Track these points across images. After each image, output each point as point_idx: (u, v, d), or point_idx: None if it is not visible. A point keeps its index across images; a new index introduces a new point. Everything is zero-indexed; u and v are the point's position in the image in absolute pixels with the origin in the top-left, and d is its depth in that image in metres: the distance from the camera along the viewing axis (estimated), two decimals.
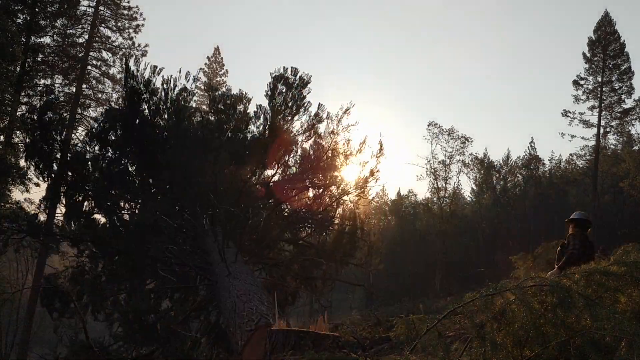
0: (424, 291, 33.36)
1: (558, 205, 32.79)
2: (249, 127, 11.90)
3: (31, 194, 18.74)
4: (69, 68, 19.82)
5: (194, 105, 12.55)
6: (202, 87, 28.84)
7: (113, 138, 10.93)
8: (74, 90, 19.50)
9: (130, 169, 11.16)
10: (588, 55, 30.32)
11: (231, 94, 12.21)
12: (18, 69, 16.65)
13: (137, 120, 10.73)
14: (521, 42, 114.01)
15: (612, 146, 35.48)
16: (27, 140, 11.14)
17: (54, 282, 10.21)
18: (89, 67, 20.73)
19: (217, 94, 12.22)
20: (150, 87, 10.97)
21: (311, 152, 11.49)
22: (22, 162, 16.37)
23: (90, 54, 20.71)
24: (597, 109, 29.80)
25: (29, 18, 17.52)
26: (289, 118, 11.55)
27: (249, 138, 11.67)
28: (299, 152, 11.76)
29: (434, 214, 34.66)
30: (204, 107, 12.57)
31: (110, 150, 10.91)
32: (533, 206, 34.87)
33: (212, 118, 11.95)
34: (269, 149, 11.09)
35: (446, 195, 34.36)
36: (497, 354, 2.66)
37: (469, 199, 42.86)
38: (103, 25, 21.05)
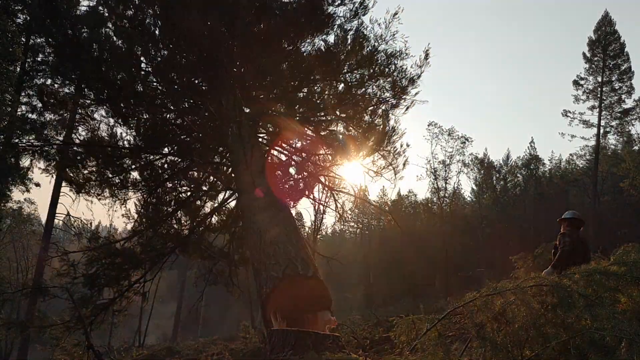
0: (424, 291, 33.35)
1: (558, 205, 32.76)
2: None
3: (31, 194, 18.78)
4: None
5: None
6: None
7: None
8: (74, 90, 19.49)
9: (153, 29, 9.76)
10: (588, 55, 30.31)
11: None
12: (18, 69, 16.64)
13: None
14: (521, 42, 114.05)
15: (612, 146, 35.49)
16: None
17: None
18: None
19: None
20: None
21: (351, 38, 10.03)
22: (22, 163, 16.40)
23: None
24: (597, 109, 29.79)
25: (29, 18, 17.51)
26: (332, 6, 10.01)
27: (280, 14, 10.06)
28: (338, 34, 10.20)
29: (434, 214, 34.64)
30: None
31: (131, 7, 9.58)
32: (533, 206, 34.87)
33: None
34: (304, 29, 9.85)
35: (446, 195, 34.34)
36: (497, 354, 2.66)
37: (469, 199, 42.89)
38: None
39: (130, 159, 9.56)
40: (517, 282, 3.02)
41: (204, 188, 10.52)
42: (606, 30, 29.96)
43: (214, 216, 10.71)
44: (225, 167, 10.12)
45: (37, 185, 18.45)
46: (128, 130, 9.54)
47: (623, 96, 29.61)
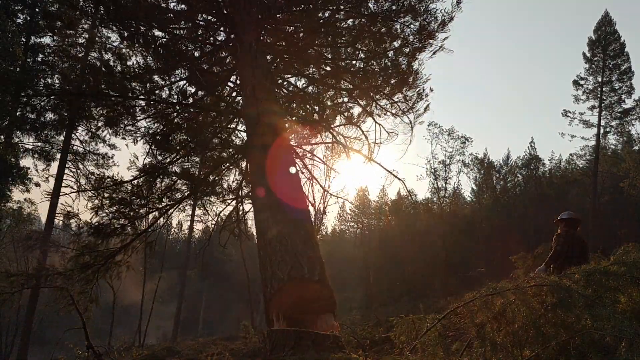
0: (424, 291, 33.35)
1: (558, 205, 32.74)
2: None
3: (31, 193, 18.79)
4: (68, 68, 19.79)
5: None
6: None
7: None
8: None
9: None
10: (588, 55, 30.29)
11: None
12: (18, 69, 16.65)
13: None
14: (521, 42, 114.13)
15: (612, 146, 35.51)
16: None
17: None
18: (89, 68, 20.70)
19: None
20: None
21: None
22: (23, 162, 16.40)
23: (91, 54, 20.68)
24: (597, 109, 29.78)
25: (29, 18, 17.52)
26: None
27: None
28: None
29: (434, 214, 34.64)
30: None
31: None
32: (533, 206, 34.85)
33: None
34: None
35: (446, 195, 34.37)
36: (497, 354, 2.66)
37: (469, 199, 42.89)
38: (103, 24, 21.00)
39: (139, 82, 8.98)
40: (517, 282, 3.02)
41: (215, 119, 10.03)
42: (606, 30, 29.94)
43: (224, 151, 10.25)
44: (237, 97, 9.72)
45: (37, 185, 18.46)
46: (137, 52, 9.04)
47: (623, 96, 29.59)
